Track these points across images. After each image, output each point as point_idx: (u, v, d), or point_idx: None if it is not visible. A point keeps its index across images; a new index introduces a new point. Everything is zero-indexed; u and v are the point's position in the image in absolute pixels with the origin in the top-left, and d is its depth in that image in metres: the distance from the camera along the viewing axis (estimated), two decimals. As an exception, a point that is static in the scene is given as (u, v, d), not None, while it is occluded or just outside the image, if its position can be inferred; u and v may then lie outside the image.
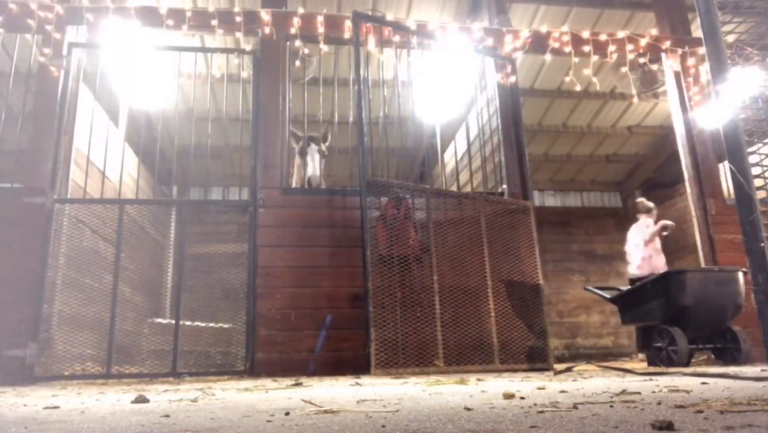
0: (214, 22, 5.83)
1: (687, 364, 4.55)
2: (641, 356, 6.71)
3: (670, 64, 6.78)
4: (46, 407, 1.75)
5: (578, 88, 7.51)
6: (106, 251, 5.27)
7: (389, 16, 6.39)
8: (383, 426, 1.08)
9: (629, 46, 6.69)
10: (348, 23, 5.97)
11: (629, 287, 5.66)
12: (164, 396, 2.14)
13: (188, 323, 5.19)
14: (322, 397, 1.84)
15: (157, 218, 6.87)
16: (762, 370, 3.42)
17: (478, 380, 2.95)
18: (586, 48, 6.63)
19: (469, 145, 6.60)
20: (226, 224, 5.59)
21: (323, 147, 6.24)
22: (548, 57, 6.72)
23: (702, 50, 5.68)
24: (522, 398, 1.61)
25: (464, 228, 5.12)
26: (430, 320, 4.55)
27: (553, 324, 10.19)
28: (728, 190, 6.35)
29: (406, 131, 7.06)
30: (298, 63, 6.31)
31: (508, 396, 1.60)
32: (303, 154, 6.01)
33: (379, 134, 6.16)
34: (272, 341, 4.91)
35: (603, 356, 10.49)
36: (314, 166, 5.85)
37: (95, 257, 5.29)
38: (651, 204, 6.86)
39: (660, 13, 7.36)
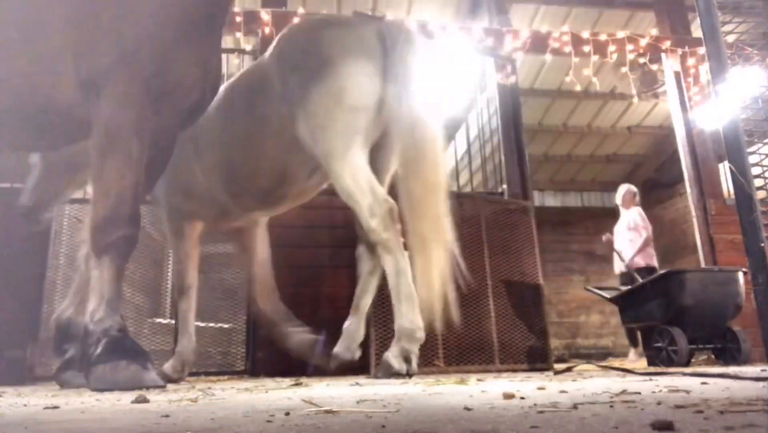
0: (214, 22, 5.83)
1: (687, 364, 4.55)
2: (632, 356, 6.77)
3: (670, 64, 6.79)
4: (46, 407, 1.75)
5: (578, 88, 7.51)
6: (106, 251, 5.26)
7: (389, 16, 6.39)
8: (383, 426, 1.08)
9: (629, 46, 6.69)
10: (348, 23, 5.98)
11: (629, 286, 5.66)
12: (164, 396, 2.14)
13: (188, 323, 5.18)
14: (322, 397, 1.84)
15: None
16: (762, 370, 3.42)
17: (478, 380, 2.95)
18: (586, 48, 6.63)
19: (469, 145, 6.60)
20: (226, 224, 5.58)
21: None
22: (548, 57, 6.72)
23: (702, 50, 5.68)
24: (522, 398, 1.61)
25: (464, 228, 5.12)
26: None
27: (553, 324, 10.20)
28: (728, 190, 6.36)
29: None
30: (298, 63, 6.31)
31: (508, 396, 1.61)
32: None
33: (379, 134, 6.17)
34: (272, 341, 4.90)
35: (603, 356, 10.49)
36: None
37: (95, 257, 5.29)
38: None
39: (660, 13, 7.36)
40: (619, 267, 6.88)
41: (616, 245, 6.87)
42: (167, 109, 3.17)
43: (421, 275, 3.02)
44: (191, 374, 4.82)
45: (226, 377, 4.69)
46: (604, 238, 6.94)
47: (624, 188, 7.16)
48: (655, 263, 6.71)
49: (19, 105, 3.12)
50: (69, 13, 2.95)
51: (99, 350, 2.67)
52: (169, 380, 3.75)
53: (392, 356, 3.11)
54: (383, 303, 4.35)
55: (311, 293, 5.11)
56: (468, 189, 8.01)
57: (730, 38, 3.22)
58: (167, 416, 1.38)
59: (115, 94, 2.87)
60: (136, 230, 2.92)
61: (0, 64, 3.03)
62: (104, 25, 2.90)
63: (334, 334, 5.09)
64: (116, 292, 2.82)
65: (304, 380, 3.52)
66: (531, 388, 2.07)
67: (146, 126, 2.97)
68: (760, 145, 3.08)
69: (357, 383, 2.79)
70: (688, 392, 1.71)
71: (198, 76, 3.19)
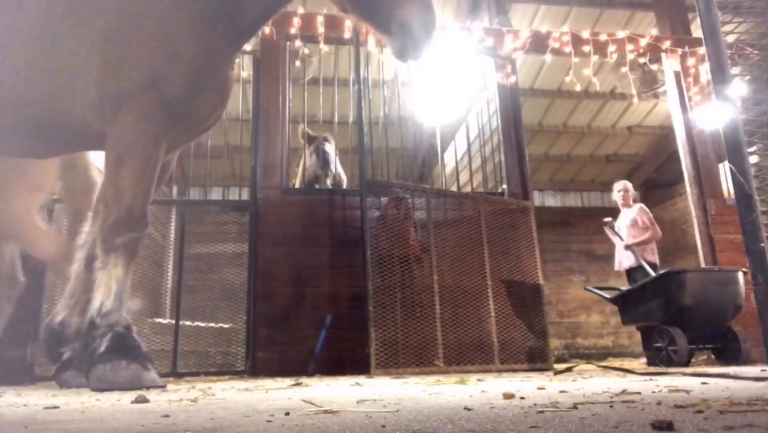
0: (214, 22, 5.82)
1: (687, 364, 4.55)
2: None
3: (670, 64, 6.78)
4: (46, 407, 1.75)
5: (578, 88, 7.50)
6: (106, 251, 5.25)
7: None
8: (383, 426, 1.08)
9: (629, 46, 6.68)
10: (348, 23, 5.97)
11: (630, 286, 5.65)
12: (164, 396, 2.14)
13: (188, 323, 5.18)
14: (322, 397, 1.84)
15: (157, 217, 6.88)
16: (762, 370, 3.42)
17: (478, 380, 2.95)
18: (586, 48, 6.63)
19: (469, 145, 6.60)
20: (226, 224, 5.58)
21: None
22: (548, 57, 6.71)
23: (702, 50, 5.68)
24: (522, 398, 1.61)
25: (464, 228, 5.12)
26: (430, 320, 4.55)
27: (553, 324, 10.18)
28: (728, 190, 6.35)
29: (406, 131, 7.08)
30: (298, 63, 6.31)
31: (508, 396, 1.61)
32: (318, 151, 6.21)
33: (379, 134, 6.17)
34: (272, 341, 4.90)
35: (603, 355, 10.48)
36: (334, 160, 6.23)
37: (95, 257, 5.28)
38: None
39: (660, 13, 7.36)
40: (620, 264, 6.72)
41: (617, 243, 6.74)
42: (183, 129, 3.35)
43: None
44: (191, 374, 4.83)
45: (226, 377, 4.69)
46: (606, 220, 6.72)
47: (621, 185, 6.92)
48: (656, 260, 6.57)
49: (32, 116, 3.23)
50: (97, 36, 3.08)
51: (102, 347, 2.70)
52: None
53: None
54: (382, 306, 4.35)
55: (311, 293, 5.11)
56: (468, 189, 8.01)
57: (730, 38, 3.22)
58: (167, 416, 1.38)
59: (138, 112, 3.03)
60: (145, 231, 3.08)
61: (19, 80, 3.12)
62: (135, 50, 3.06)
63: (333, 333, 5.10)
64: (125, 289, 2.92)
65: (304, 380, 3.52)
66: (531, 388, 2.07)
67: (162, 142, 3.15)
68: (760, 145, 3.08)
69: (357, 383, 2.80)
70: (688, 392, 1.72)
71: (216, 104, 3.40)
